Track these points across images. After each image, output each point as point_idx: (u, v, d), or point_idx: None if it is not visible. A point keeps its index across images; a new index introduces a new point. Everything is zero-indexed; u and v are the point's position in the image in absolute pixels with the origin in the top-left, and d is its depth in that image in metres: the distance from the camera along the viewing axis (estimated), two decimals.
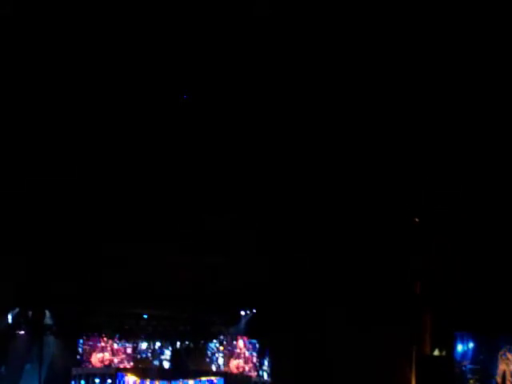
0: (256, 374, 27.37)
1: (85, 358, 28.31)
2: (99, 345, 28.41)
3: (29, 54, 17.19)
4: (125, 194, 22.27)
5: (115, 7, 15.99)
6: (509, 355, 20.39)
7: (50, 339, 27.48)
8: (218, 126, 20.22)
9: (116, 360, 28.53)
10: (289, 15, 16.27)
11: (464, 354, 21.76)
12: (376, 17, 16.24)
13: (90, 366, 28.35)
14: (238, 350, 27.79)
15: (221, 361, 28.09)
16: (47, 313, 27.30)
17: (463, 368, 21.69)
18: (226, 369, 27.98)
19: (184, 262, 24.42)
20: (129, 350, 28.61)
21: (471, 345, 21.69)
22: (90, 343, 28.36)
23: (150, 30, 16.77)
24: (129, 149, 20.84)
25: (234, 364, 27.80)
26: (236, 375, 27.75)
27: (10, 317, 26.95)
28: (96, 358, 28.30)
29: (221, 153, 20.91)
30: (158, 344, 28.52)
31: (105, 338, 28.42)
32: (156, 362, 28.53)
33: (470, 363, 21.63)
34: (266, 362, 27.23)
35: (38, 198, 22.08)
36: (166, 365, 28.48)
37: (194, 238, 23.46)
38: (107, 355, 28.42)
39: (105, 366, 28.44)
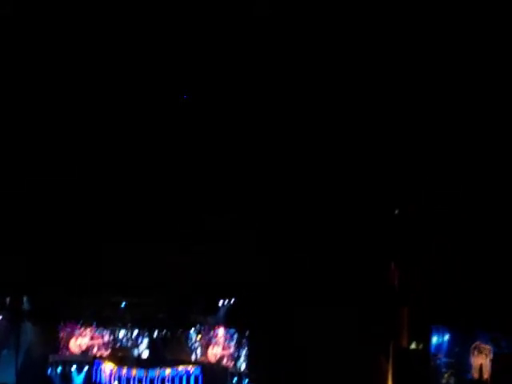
0: (233, 364, 27.58)
1: (62, 344, 28.45)
2: (77, 332, 28.53)
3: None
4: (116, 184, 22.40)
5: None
6: (484, 347, 20.71)
7: (28, 326, 27.57)
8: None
9: (94, 347, 28.68)
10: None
11: (439, 346, 22.01)
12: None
13: (68, 353, 28.47)
14: (217, 339, 27.98)
15: (198, 350, 28.27)
16: (24, 299, 27.35)
17: (437, 361, 21.96)
18: (204, 358, 28.13)
19: (164, 253, 24.61)
20: (106, 338, 28.74)
21: (446, 337, 21.98)
22: (68, 330, 28.49)
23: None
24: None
25: (212, 353, 27.96)
26: (213, 365, 27.94)
27: None
28: (74, 345, 28.43)
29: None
30: (135, 332, 28.64)
31: (82, 325, 28.53)
32: (133, 350, 28.66)
33: (445, 356, 21.90)
34: (243, 353, 27.46)
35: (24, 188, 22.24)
36: (144, 353, 28.62)
37: (177, 229, 23.65)
38: (85, 341, 28.56)
39: (82, 352, 28.54)
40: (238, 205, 22.59)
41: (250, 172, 21.63)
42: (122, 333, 28.67)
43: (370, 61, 17.99)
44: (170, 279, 25.20)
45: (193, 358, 28.28)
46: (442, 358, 21.88)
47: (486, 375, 21.07)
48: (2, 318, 27.33)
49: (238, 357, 27.51)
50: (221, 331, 27.96)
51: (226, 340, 27.85)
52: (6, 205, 22.84)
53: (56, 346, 28.40)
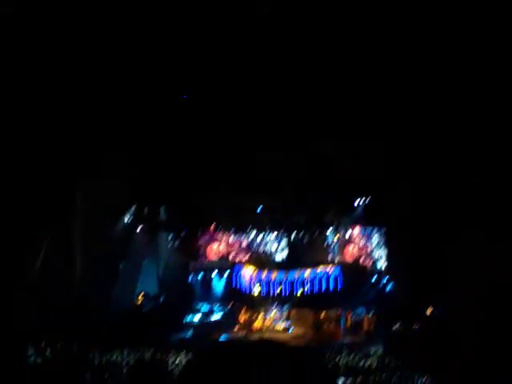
0: (371, 263, 27.79)
1: (201, 251, 29.11)
2: (215, 238, 29.11)
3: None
4: None
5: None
6: None
7: (167, 235, 28.32)
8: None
9: (232, 253, 29.22)
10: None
11: None
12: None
13: (207, 260, 29.14)
14: (354, 239, 28.20)
15: (336, 250, 28.54)
16: (163, 209, 27.97)
17: None
18: (341, 258, 28.45)
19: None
20: (244, 243, 29.27)
21: None
22: (206, 237, 29.13)
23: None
24: None
25: (350, 252, 28.28)
26: (351, 264, 28.23)
27: (126, 214, 27.74)
28: (212, 252, 29.08)
29: None
30: (273, 235, 29.03)
31: (220, 232, 29.05)
32: (272, 254, 29.12)
33: None
34: (381, 252, 27.61)
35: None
36: (282, 256, 29.07)
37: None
38: (222, 247, 29.14)
39: (221, 259, 29.19)
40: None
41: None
42: (259, 237, 29.07)
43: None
44: (306, 180, 25.34)
45: (330, 258, 28.59)
46: None
47: None
48: (141, 229, 28.02)
49: (377, 256, 27.68)
50: (357, 230, 28.10)
51: (363, 239, 28.03)
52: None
53: (195, 253, 29.16)
